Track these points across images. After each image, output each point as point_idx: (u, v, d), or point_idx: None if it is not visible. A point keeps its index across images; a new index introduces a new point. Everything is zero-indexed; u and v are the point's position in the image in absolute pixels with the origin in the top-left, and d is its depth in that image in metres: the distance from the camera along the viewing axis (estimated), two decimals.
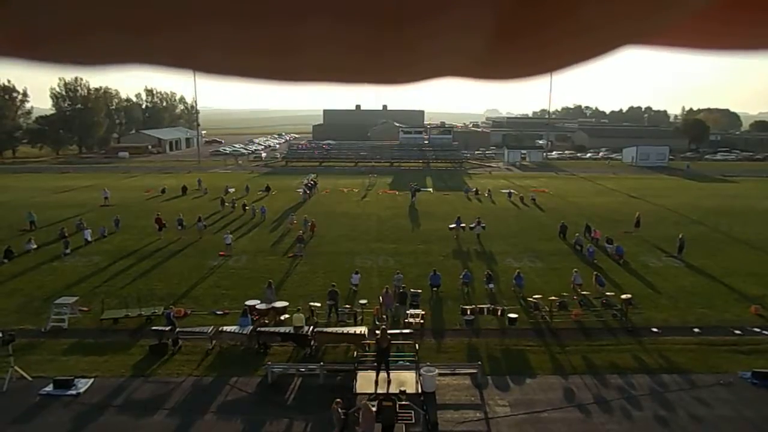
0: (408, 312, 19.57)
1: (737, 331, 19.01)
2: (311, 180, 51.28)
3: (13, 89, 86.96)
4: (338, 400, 13.38)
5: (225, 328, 17.89)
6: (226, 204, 40.49)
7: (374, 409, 13.10)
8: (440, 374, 15.60)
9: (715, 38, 0.50)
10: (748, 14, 0.47)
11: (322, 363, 16.18)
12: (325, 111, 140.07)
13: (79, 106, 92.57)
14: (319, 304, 20.16)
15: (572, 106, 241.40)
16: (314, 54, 0.45)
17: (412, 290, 20.94)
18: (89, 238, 30.28)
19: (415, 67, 0.48)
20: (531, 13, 0.44)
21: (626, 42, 0.48)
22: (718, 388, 15.47)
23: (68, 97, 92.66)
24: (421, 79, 0.51)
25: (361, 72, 0.48)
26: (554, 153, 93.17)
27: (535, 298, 20.78)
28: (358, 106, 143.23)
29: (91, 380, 15.61)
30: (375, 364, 15.34)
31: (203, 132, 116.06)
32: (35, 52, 0.43)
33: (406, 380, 14.84)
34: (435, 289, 22.33)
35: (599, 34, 0.46)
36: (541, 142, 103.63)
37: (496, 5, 0.43)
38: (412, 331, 18.05)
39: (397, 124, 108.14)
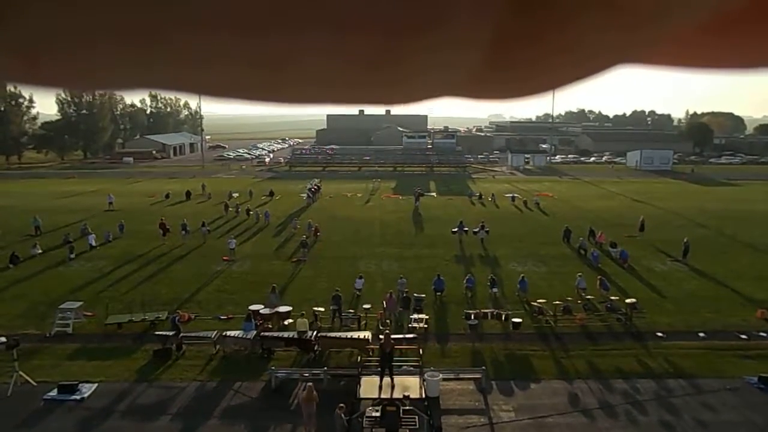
0: (412, 317, 19.53)
1: (743, 336, 18.89)
2: (315, 185, 51.34)
3: (19, 95, 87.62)
4: (341, 405, 13.35)
5: (229, 332, 17.90)
6: (230, 209, 40.56)
7: (314, 393, 13.57)
8: (444, 379, 15.55)
9: (712, 57, 0.50)
10: (744, 32, 0.47)
11: (325, 368, 16.16)
12: (328, 116, 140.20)
13: (84, 111, 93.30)
14: (322, 309, 20.15)
15: (576, 110, 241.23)
16: (312, 76, 0.45)
17: (415, 295, 20.90)
18: (94, 243, 30.39)
19: (414, 88, 0.48)
20: (528, 35, 0.44)
21: (622, 61, 0.48)
22: (724, 393, 15.37)
23: (73, 102, 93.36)
24: (420, 99, 0.51)
25: (357, 93, 0.48)
26: (558, 157, 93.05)
27: (539, 303, 20.71)
28: (361, 111, 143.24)
29: (96, 385, 15.63)
30: (379, 368, 15.32)
31: (207, 137, 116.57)
32: (37, 76, 0.43)
33: (409, 385, 14.80)
34: (439, 293, 22.29)
35: (596, 54, 0.46)
36: (544, 146, 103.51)
37: (493, 27, 0.43)
38: (415, 335, 18.00)
39: (401, 129, 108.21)
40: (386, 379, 14.94)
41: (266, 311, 19.60)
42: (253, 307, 19.59)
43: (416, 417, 13.28)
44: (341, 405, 13.31)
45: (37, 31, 0.39)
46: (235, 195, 47.58)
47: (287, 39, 0.42)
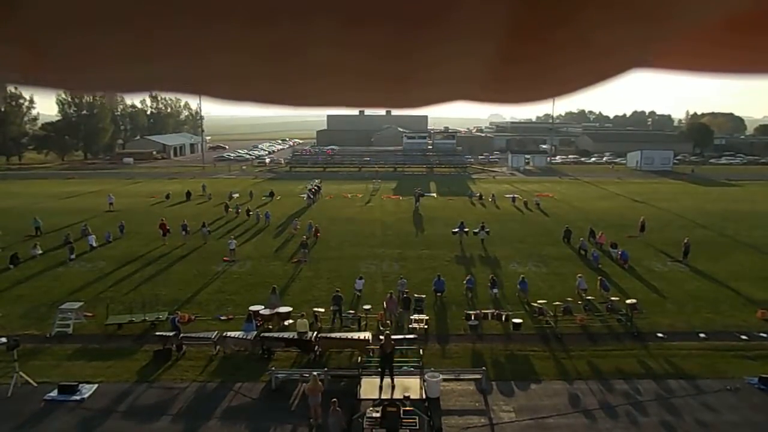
0: (412, 317, 19.52)
1: (744, 336, 18.87)
2: (315, 185, 51.37)
3: (20, 96, 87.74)
4: (334, 399, 13.29)
5: (229, 333, 17.89)
6: (230, 209, 40.58)
7: (320, 383, 14.13)
8: (444, 380, 15.54)
9: (722, 61, 0.50)
10: (749, 38, 0.47)
11: (326, 368, 16.15)
12: (329, 116, 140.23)
13: (84, 112, 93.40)
14: (323, 310, 20.15)
15: (576, 111, 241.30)
16: (325, 81, 0.46)
17: (416, 295, 20.88)
18: (94, 244, 30.41)
19: (426, 93, 0.49)
20: (538, 40, 0.44)
21: (634, 66, 0.48)
22: (725, 394, 15.36)
23: (74, 103, 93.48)
24: (432, 103, 0.52)
25: (372, 98, 0.49)
26: (558, 157, 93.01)
27: (539, 303, 20.70)
28: (361, 112, 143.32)
29: (96, 386, 15.63)
30: (379, 369, 15.31)
31: (207, 138, 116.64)
32: (49, 79, 0.44)
33: (410, 386, 14.80)
34: (439, 294, 22.29)
35: (607, 60, 0.47)
36: (544, 146, 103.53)
37: (503, 32, 0.43)
38: (416, 336, 18.00)
39: (401, 130, 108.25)
40: (386, 380, 14.93)
41: (266, 312, 19.61)
42: (253, 308, 19.61)
43: (416, 418, 13.27)
44: (334, 400, 13.30)
45: (52, 38, 0.39)
46: (236, 195, 47.61)
47: (301, 44, 0.42)
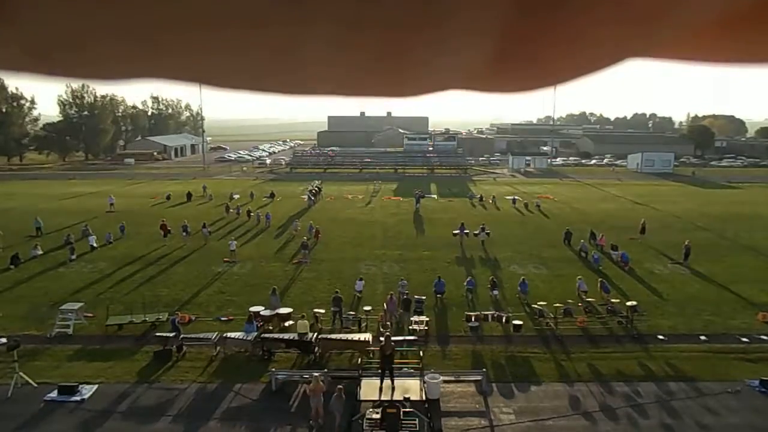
0: (412, 318, 19.52)
1: (744, 339, 18.85)
2: (316, 186, 51.36)
3: (21, 96, 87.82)
4: (340, 386, 13.47)
5: (229, 334, 17.90)
6: (231, 210, 40.57)
7: (321, 383, 14.05)
8: (444, 381, 15.54)
9: (717, 51, 0.50)
10: (750, 28, 0.47)
11: (326, 370, 16.15)
12: (329, 117, 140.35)
13: (85, 113, 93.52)
14: (323, 311, 20.15)
15: (577, 113, 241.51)
16: (320, 67, 0.46)
17: (416, 297, 20.86)
18: (95, 245, 30.43)
19: (420, 80, 0.49)
20: (534, 27, 0.44)
21: (629, 55, 0.48)
22: (726, 397, 15.34)
23: (75, 104, 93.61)
24: (426, 91, 0.51)
25: (366, 85, 0.48)
26: (559, 159, 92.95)
27: (539, 305, 20.68)
28: (362, 113, 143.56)
29: (96, 386, 15.63)
30: (379, 371, 15.30)
31: (208, 139, 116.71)
32: (47, 66, 0.43)
33: (410, 387, 14.80)
34: (439, 295, 22.28)
35: (602, 47, 0.46)
36: (545, 148, 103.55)
37: (500, 19, 0.43)
38: (416, 337, 18.00)
39: (402, 131, 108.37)
40: (386, 381, 14.92)
41: (267, 313, 19.61)
42: (253, 309, 19.61)
43: (416, 419, 13.27)
44: (340, 387, 13.37)
45: (48, 22, 0.39)
46: (236, 196, 47.63)
47: (297, 28, 0.42)
